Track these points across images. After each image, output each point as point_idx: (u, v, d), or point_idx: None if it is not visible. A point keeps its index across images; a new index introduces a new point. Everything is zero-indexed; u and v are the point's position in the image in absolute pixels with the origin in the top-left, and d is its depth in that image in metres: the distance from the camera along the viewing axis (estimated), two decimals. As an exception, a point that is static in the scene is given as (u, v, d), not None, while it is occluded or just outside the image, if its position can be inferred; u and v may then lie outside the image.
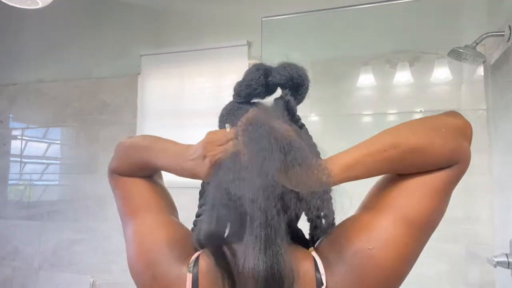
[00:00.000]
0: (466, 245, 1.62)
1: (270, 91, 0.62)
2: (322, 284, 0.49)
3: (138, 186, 0.66)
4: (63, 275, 2.21)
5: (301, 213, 0.54)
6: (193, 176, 0.56)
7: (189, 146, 0.58)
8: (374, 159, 0.52)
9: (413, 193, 0.53)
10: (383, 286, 0.50)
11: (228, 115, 0.63)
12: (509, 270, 1.29)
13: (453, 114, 0.61)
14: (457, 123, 0.58)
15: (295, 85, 0.57)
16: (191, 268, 0.52)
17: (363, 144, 0.55)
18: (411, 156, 0.52)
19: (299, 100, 0.58)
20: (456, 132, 0.56)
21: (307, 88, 0.58)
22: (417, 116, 1.78)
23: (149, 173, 0.68)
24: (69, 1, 2.20)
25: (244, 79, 0.60)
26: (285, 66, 0.58)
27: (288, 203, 0.48)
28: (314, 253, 0.53)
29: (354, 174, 0.52)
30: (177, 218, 0.64)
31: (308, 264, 0.51)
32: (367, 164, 0.52)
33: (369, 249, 0.49)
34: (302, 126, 0.63)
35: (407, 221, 0.51)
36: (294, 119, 0.61)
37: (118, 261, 2.08)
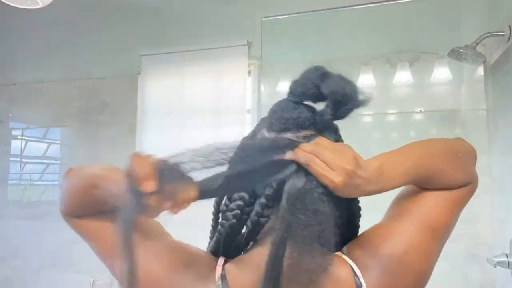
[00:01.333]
0: (466, 245, 1.62)
1: (323, 97, 0.59)
2: (361, 285, 0.52)
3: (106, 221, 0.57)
4: (63, 275, 2.21)
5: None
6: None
7: None
8: (412, 178, 0.57)
9: (437, 205, 0.59)
10: (414, 287, 0.55)
11: (282, 112, 0.59)
12: (509, 270, 1.29)
13: (461, 140, 0.68)
14: (467, 148, 0.65)
15: (338, 101, 0.55)
16: (220, 285, 0.52)
17: (407, 164, 0.57)
18: (437, 176, 0.59)
19: (338, 116, 0.56)
20: (469, 157, 0.64)
21: (349, 110, 0.56)
22: (417, 116, 1.78)
23: (102, 208, 0.59)
24: (69, 1, 2.20)
25: (301, 77, 0.59)
26: (338, 79, 0.55)
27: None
28: (345, 257, 0.55)
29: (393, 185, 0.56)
30: (171, 236, 0.61)
31: (346, 269, 0.54)
32: (402, 181, 0.57)
33: (403, 253, 0.54)
34: (337, 141, 0.62)
35: (431, 228, 0.58)
36: (327, 132, 0.59)
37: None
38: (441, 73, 1.73)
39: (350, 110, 0.55)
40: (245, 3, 2.05)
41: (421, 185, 0.60)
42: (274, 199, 0.53)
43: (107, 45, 2.30)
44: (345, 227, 0.59)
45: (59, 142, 2.40)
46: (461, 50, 1.48)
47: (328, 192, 0.50)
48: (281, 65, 1.96)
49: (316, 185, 0.50)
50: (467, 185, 0.62)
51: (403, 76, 1.78)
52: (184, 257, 0.55)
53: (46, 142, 2.42)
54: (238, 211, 0.55)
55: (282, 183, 0.50)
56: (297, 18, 1.87)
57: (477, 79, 1.69)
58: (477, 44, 1.48)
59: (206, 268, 0.54)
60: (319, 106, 0.59)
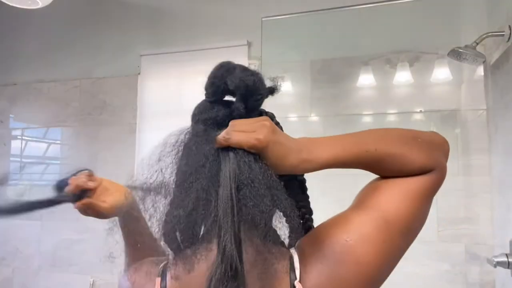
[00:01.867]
0: (466, 245, 1.62)
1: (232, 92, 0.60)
2: (295, 279, 0.50)
3: None
4: (63, 275, 2.21)
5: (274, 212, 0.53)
6: None
7: None
8: (355, 157, 0.56)
9: (393, 194, 0.56)
10: (360, 282, 0.50)
11: (200, 114, 0.62)
12: (509, 270, 1.29)
13: (433, 132, 0.65)
14: (434, 137, 0.62)
15: (243, 95, 0.55)
16: (160, 272, 0.55)
17: (348, 140, 0.57)
18: (389, 160, 0.56)
19: (251, 108, 0.57)
20: (431, 144, 0.60)
21: (258, 100, 0.57)
22: (417, 116, 1.78)
23: None
24: (69, 1, 2.21)
25: (209, 77, 0.60)
26: (239, 72, 0.56)
27: (261, 203, 0.49)
28: (292, 250, 0.54)
29: (331, 167, 0.56)
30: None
31: (283, 262, 0.52)
32: (345, 162, 0.56)
33: (346, 240, 0.51)
34: None
35: (386, 219, 0.53)
36: None
37: (118, 261, 2.07)
38: (441, 73, 1.73)
39: (258, 100, 0.56)
40: (245, 3, 2.05)
41: (375, 170, 0.59)
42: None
43: (107, 45, 2.30)
44: (293, 216, 0.56)
45: (59, 142, 2.40)
46: (461, 50, 1.48)
47: (257, 159, 0.51)
48: (281, 65, 1.96)
49: (243, 154, 0.51)
50: (429, 173, 0.57)
51: (403, 76, 1.78)
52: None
53: (46, 142, 2.42)
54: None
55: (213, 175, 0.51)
56: (297, 18, 1.87)
57: (477, 79, 1.69)
58: (477, 44, 1.48)
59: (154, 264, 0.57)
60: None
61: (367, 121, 1.85)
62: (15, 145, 2.46)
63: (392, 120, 1.82)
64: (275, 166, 0.52)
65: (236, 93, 0.56)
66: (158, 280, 0.54)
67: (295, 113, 1.94)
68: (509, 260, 1.26)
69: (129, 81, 2.21)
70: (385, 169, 0.58)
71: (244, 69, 0.56)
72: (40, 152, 2.42)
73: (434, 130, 0.68)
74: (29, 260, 2.30)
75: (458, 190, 1.62)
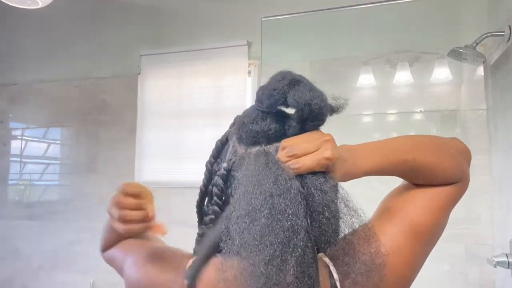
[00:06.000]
0: (466, 245, 1.62)
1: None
2: (335, 286, 0.51)
3: (122, 247, 0.70)
4: (63, 276, 2.21)
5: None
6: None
7: None
8: (393, 166, 0.57)
9: (422, 205, 0.58)
10: None
11: (251, 124, 0.56)
12: (509, 270, 1.29)
13: (457, 139, 0.67)
14: (462, 147, 0.64)
15: (303, 118, 0.52)
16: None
17: (385, 149, 0.58)
18: (425, 169, 0.57)
19: (305, 129, 0.53)
20: (461, 154, 0.62)
21: (315, 126, 0.53)
22: (417, 116, 1.78)
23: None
24: (69, 1, 2.20)
25: (267, 87, 0.55)
26: (305, 91, 0.51)
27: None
28: (326, 259, 0.53)
29: (370, 175, 0.56)
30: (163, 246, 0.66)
31: (323, 271, 0.52)
32: (385, 171, 0.57)
33: (383, 254, 0.52)
34: None
35: (415, 230, 0.55)
36: None
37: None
38: (441, 73, 1.73)
39: (316, 126, 0.53)
40: (245, 3, 2.05)
41: (409, 178, 0.60)
42: None
43: (107, 45, 2.30)
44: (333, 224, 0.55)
45: (59, 142, 2.40)
46: (461, 50, 1.48)
47: (326, 181, 0.49)
48: (281, 65, 1.95)
49: (312, 177, 0.49)
50: (457, 183, 0.59)
51: (403, 76, 1.78)
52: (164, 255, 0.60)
53: (46, 142, 2.42)
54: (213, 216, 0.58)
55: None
56: (297, 18, 1.87)
57: (477, 79, 1.69)
58: (477, 44, 1.48)
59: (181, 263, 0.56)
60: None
61: (367, 121, 1.85)
62: (15, 145, 2.47)
63: (392, 120, 1.82)
64: (339, 180, 0.52)
65: (295, 113, 0.52)
66: None
67: (295, 113, 1.94)
68: (509, 260, 1.26)
69: (129, 81, 2.21)
70: (419, 178, 0.59)
71: (311, 88, 0.52)
72: (40, 152, 2.42)
73: (448, 135, 0.69)
74: (29, 260, 2.30)
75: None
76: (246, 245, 0.46)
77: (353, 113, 1.84)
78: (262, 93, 0.55)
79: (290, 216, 0.46)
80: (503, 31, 1.40)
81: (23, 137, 2.46)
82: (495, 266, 1.28)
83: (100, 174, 2.20)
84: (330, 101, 0.55)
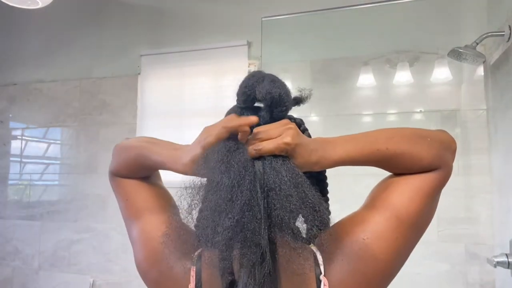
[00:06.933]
0: (466, 245, 1.62)
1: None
2: (320, 273, 0.55)
3: (138, 188, 0.70)
4: (63, 275, 2.22)
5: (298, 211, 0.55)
6: (186, 167, 0.60)
7: (185, 145, 0.64)
8: (366, 155, 0.60)
9: (403, 193, 0.60)
10: (377, 277, 0.56)
11: None
12: (509, 270, 1.29)
13: (441, 130, 0.69)
14: (442, 136, 0.66)
15: (269, 106, 0.59)
16: (195, 262, 0.58)
17: (360, 140, 0.61)
18: (399, 158, 0.60)
19: (276, 117, 0.60)
20: (440, 143, 0.64)
21: (282, 111, 0.60)
22: (417, 116, 1.78)
23: (146, 173, 0.72)
24: (69, 1, 2.21)
25: (241, 85, 0.63)
26: (267, 84, 0.58)
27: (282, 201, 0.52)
28: (313, 247, 0.58)
29: (344, 164, 0.60)
30: (178, 216, 0.66)
31: (309, 259, 0.56)
32: (358, 160, 0.60)
33: (363, 239, 0.56)
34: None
35: (397, 217, 0.58)
36: None
37: (118, 261, 2.08)
38: (441, 73, 1.73)
39: (283, 111, 0.59)
40: (245, 3, 2.05)
41: (386, 168, 0.63)
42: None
43: (107, 45, 2.30)
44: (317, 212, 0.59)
45: (59, 142, 2.40)
46: (461, 50, 1.48)
47: (286, 162, 0.54)
48: (281, 65, 1.97)
49: (271, 159, 0.54)
50: (437, 170, 0.61)
51: (403, 76, 1.78)
52: (180, 233, 0.61)
53: (46, 142, 2.42)
54: None
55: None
56: (297, 18, 1.87)
57: (477, 79, 1.69)
58: (477, 44, 1.48)
59: (193, 246, 0.59)
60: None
61: (367, 121, 1.85)
62: (15, 145, 2.47)
63: (392, 120, 1.82)
64: (300, 166, 0.56)
65: (263, 103, 0.60)
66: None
67: (295, 113, 1.92)
68: (509, 260, 1.26)
69: (129, 81, 2.21)
70: (395, 167, 0.62)
71: (272, 80, 0.59)
72: (40, 152, 2.42)
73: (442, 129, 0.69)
74: (29, 260, 2.31)
75: (458, 190, 1.62)
76: (203, 212, 0.54)
77: (353, 113, 1.84)
78: (238, 91, 0.63)
79: (245, 189, 0.51)
80: (503, 31, 1.40)
81: (23, 137, 2.46)
82: (495, 266, 1.28)
83: (100, 174, 2.20)
84: (296, 93, 0.63)
